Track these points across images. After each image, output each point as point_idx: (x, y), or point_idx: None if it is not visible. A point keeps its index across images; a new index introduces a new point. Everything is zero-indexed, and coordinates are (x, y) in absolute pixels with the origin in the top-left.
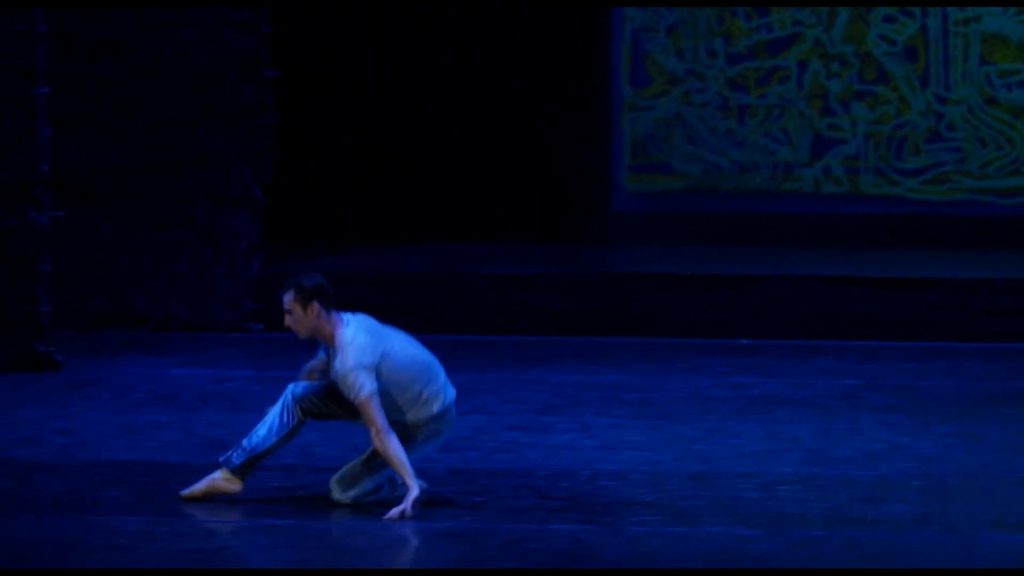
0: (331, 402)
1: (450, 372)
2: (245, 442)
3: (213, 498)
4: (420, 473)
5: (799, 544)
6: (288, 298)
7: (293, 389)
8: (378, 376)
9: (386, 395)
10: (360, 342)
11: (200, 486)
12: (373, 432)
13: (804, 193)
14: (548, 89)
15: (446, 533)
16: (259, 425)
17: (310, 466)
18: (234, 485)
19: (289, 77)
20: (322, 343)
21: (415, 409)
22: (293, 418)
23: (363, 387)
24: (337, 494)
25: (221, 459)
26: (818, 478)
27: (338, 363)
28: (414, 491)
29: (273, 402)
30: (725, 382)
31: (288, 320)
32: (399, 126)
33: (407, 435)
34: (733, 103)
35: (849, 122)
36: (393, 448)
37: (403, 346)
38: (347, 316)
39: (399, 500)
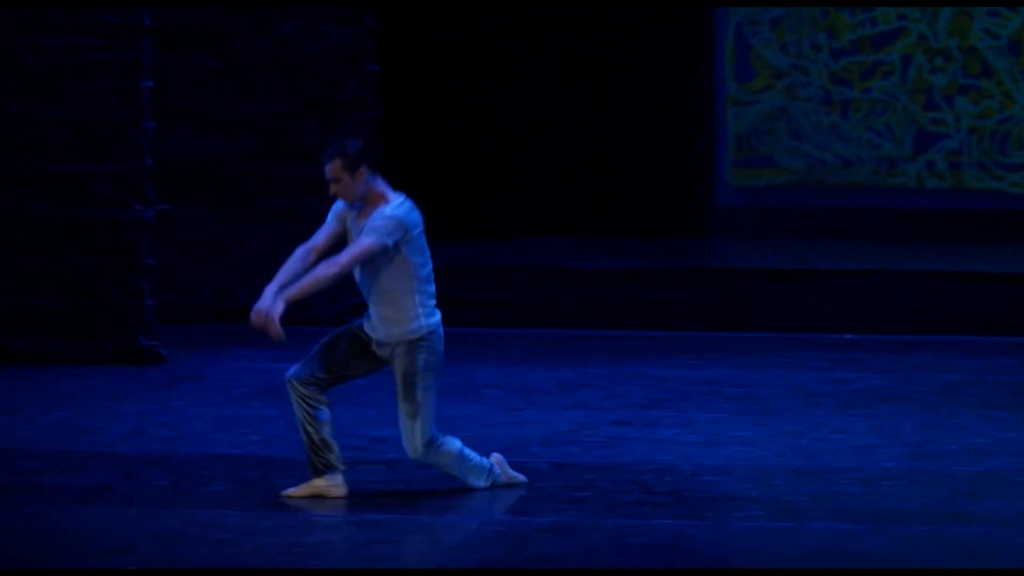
0: (332, 364)
1: (554, 366)
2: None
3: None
4: (521, 468)
5: (901, 540)
6: (334, 166)
7: (288, 377)
8: (405, 242)
9: (406, 261)
10: (408, 207)
11: (303, 489)
12: (336, 259)
13: (907, 188)
14: (653, 84)
15: (548, 528)
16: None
17: (414, 461)
18: (337, 489)
19: (392, 71)
20: (356, 205)
21: (426, 292)
22: (308, 402)
23: (381, 236)
24: None
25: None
26: (920, 473)
27: (380, 211)
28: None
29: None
30: (828, 377)
31: (334, 188)
32: (502, 120)
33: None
34: (837, 98)
35: (953, 117)
36: (322, 278)
37: None
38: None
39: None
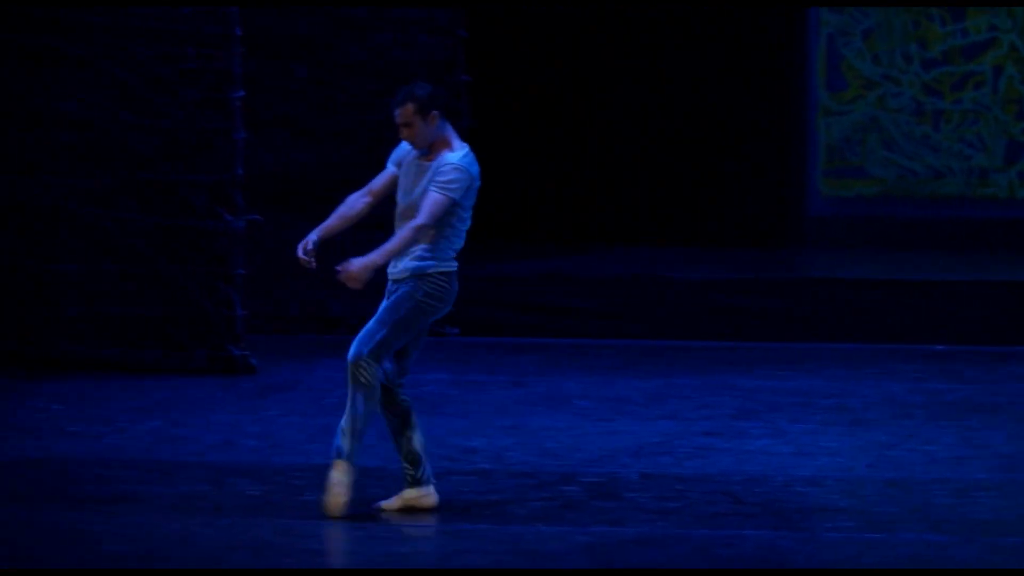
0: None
1: (643, 377)
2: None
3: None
4: (611, 479)
5: (993, 551)
6: (405, 110)
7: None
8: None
9: (454, 207)
10: (472, 158)
11: (396, 502)
12: (422, 222)
13: (998, 199)
14: (744, 93)
15: (638, 539)
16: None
17: (505, 471)
18: (428, 499)
19: (483, 81)
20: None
21: (453, 240)
22: (395, 407)
23: (455, 189)
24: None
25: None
26: (1012, 484)
27: (447, 158)
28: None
29: (468, 405)
30: (919, 388)
31: (405, 133)
32: (593, 129)
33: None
34: (928, 108)
35: None
36: (408, 239)
37: None
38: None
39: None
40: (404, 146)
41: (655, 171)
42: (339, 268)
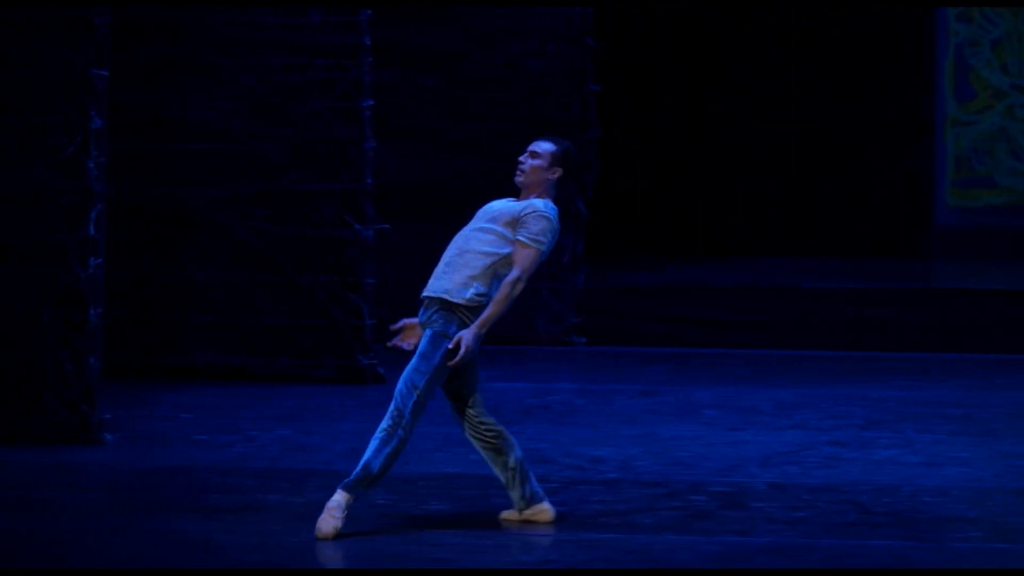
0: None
1: (771, 386)
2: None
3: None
4: (739, 488)
5: None
6: (550, 149)
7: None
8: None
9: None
10: (555, 207)
11: (512, 514)
12: (517, 276)
13: None
14: (871, 103)
15: (766, 548)
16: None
17: (632, 480)
18: (543, 515)
19: (611, 90)
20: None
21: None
22: (485, 435)
23: (545, 242)
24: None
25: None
26: None
27: (535, 203)
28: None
29: (598, 415)
30: None
31: (528, 162)
32: (722, 139)
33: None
34: None
35: None
36: (508, 300)
37: None
38: None
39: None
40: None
41: (783, 181)
42: (449, 346)
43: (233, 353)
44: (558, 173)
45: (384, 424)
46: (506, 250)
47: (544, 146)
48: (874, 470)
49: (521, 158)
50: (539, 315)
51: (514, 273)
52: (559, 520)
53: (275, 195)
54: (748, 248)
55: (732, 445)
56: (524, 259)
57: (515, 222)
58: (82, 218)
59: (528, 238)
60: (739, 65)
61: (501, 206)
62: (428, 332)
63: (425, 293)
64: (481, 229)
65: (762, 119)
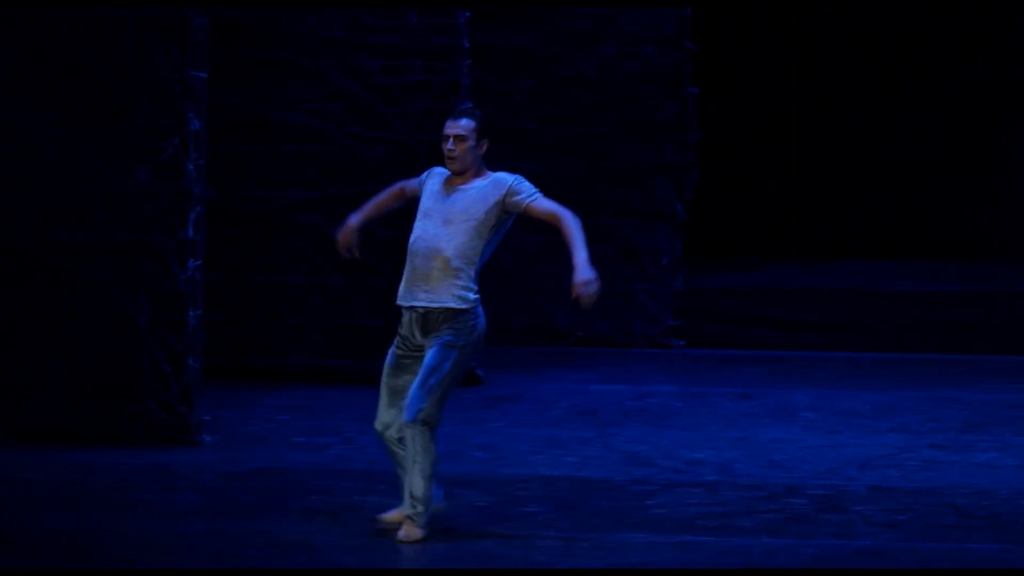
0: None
1: (870, 389)
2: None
3: None
4: (838, 491)
5: None
6: (470, 124)
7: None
8: (511, 213)
9: (498, 230)
10: None
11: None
12: (563, 215)
13: None
14: (967, 103)
15: (866, 551)
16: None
17: (731, 483)
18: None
19: (710, 93)
20: (437, 177)
21: (478, 272)
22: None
23: (535, 190)
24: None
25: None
26: None
27: (500, 174)
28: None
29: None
30: None
31: (457, 146)
32: (820, 142)
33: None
34: None
35: None
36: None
37: None
38: None
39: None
40: (435, 169)
41: (883, 184)
42: (583, 291)
43: (327, 355)
44: (485, 146)
45: (411, 450)
46: (477, 242)
47: (464, 123)
48: (973, 473)
49: (449, 146)
50: (637, 318)
51: (558, 209)
52: (658, 522)
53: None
54: (846, 251)
55: (830, 448)
56: (548, 202)
57: (503, 203)
58: (181, 220)
59: (532, 194)
60: (838, 67)
61: (463, 202)
62: (436, 343)
63: (420, 304)
64: (449, 227)
65: (860, 121)
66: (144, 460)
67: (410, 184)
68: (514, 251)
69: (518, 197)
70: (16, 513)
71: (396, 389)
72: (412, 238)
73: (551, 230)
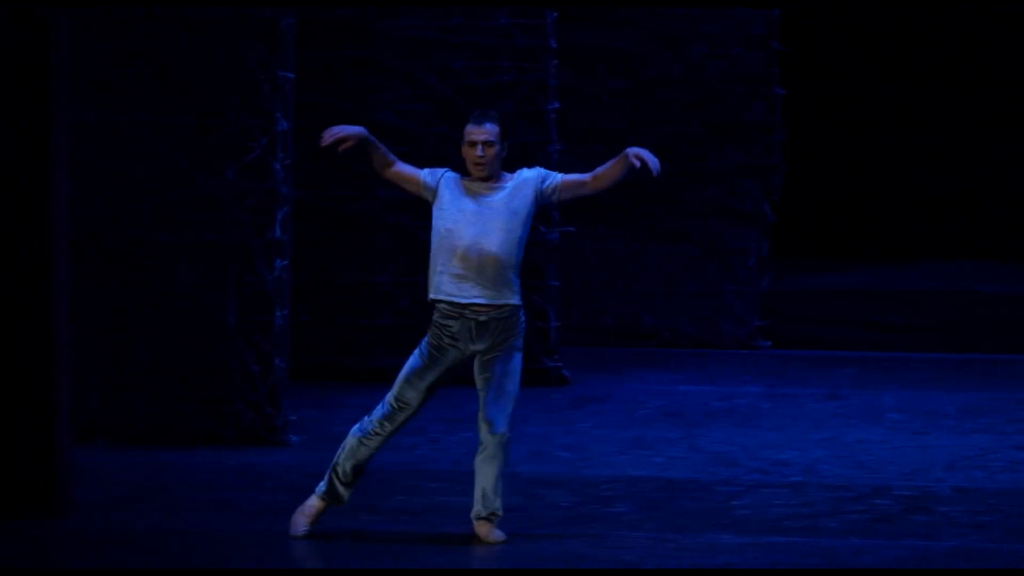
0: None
1: (956, 390)
2: None
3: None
4: (924, 492)
5: None
6: (496, 128)
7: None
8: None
9: (528, 227)
10: None
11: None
12: (589, 179)
13: None
14: None
15: (951, 552)
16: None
17: (817, 484)
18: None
19: (798, 94)
20: (452, 181)
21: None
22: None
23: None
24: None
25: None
26: None
27: (525, 170)
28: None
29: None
30: None
31: (486, 152)
32: (908, 142)
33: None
34: None
35: None
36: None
37: None
38: None
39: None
40: (447, 174)
41: (970, 184)
42: (640, 163)
43: None
44: (507, 148)
45: (499, 458)
46: (523, 239)
47: (490, 128)
48: None
49: (478, 152)
50: (723, 318)
51: (589, 180)
52: (743, 523)
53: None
54: (933, 251)
55: (916, 449)
56: (575, 178)
57: (539, 193)
58: (269, 220)
59: (555, 173)
60: (925, 68)
61: (503, 202)
62: (505, 348)
63: (482, 300)
64: (497, 229)
65: (948, 122)
66: (231, 460)
67: (423, 179)
68: (600, 253)
69: (550, 180)
70: (105, 513)
71: (432, 388)
72: (458, 244)
73: (639, 234)
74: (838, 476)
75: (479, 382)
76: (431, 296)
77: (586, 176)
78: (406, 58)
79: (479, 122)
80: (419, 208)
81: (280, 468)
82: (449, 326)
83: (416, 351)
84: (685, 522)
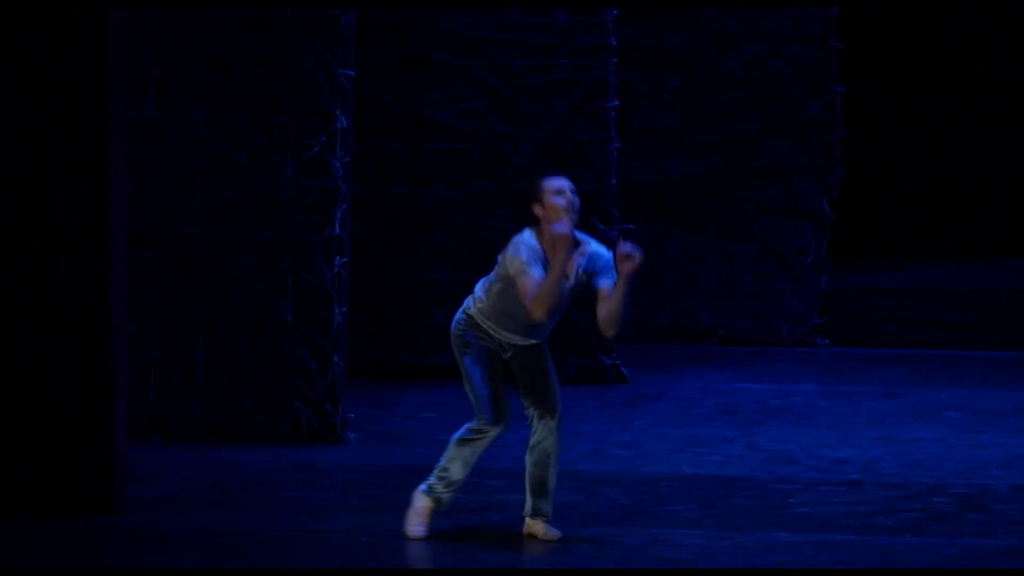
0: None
1: (1013, 388)
2: None
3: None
4: (981, 490)
5: None
6: (573, 186)
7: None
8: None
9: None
10: None
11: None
12: (604, 311)
13: None
14: None
15: (1008, 550)
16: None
17: (875, 482)
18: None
19: (857, 91)
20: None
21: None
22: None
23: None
24: None
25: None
26: None
27: (598, 249)
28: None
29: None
30: None
31: (571, 214)
32: (965, 140)
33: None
34: None
35: None
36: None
37: None
38: None
39: None
40: (531, 242)
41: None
42: (628, 254)
43: None
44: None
45: (556, 448)
46: None
47: (570, 184)
48: None
49: (573, 201)
50: (781, 316)
51: (604, 307)
52: (802, 521)
53: (517, 195)
54: (991, 249)
55: (973, 447)
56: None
57: (587, 273)
58: (327, 217)
59: (606, 282)
60: (984, 65)
61: (593, 257)
62: (544, 349)
63: (516, 341)
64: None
65: (1007, 119)
66: (289, 458)
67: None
68: (656, 252)
69: (599, 282)
70: (164, 512)
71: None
72: (516, 310)
73: (697, 232)
74: (895, 474)
75: (515, 381)
76: (469, 308)
77: (605, 306)
78: (465, 55)
79: (557, 178)
80: (476, 205)
81: (338, 466)
82: (477, 334)
83: (466, 372)
84: (741, 520)
